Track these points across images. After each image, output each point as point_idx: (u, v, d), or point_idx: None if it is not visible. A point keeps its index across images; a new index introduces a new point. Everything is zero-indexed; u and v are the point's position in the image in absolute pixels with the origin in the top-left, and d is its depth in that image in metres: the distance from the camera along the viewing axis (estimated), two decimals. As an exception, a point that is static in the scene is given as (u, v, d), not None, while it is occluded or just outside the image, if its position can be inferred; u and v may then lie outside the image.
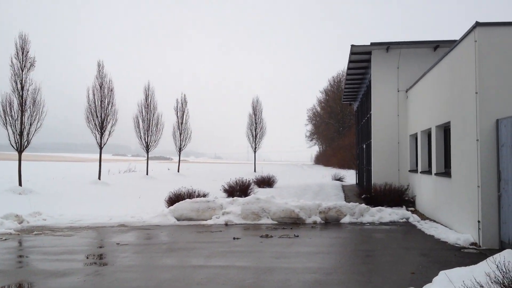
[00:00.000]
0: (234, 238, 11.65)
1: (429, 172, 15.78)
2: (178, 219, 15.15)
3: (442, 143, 14.58)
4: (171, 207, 15.62)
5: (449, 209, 12.87)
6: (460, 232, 11.64)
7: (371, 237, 12.00)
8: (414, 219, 14.54)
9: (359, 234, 12.53)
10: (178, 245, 11.00)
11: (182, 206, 15.44)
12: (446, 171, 14.16)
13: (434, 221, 14.41)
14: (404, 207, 17.53)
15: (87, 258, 9.41)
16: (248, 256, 9.51)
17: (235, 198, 16.08)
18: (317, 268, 8.28)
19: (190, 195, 17.52)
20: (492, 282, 5.48)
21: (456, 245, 10.42)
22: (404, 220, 14.50)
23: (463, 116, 11.55)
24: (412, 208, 17.47)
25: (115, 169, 51.24)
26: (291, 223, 14.35)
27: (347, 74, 24.90)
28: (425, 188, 16.22)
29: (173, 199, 17.17)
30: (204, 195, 17.92)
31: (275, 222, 14.45)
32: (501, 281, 5.35)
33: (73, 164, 74.96)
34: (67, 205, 20.21)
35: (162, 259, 9.39)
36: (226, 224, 14.34)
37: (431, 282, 6.96)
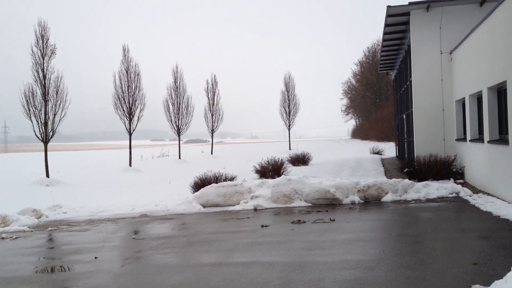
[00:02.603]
0: (262, 226, 10.39)
1: (480, 140, 14.07)
2: (204, 206, 14.02)
3: (496, 106, 12.84)
4: (196, 193, 14.49)
5: (508, 181, 11.22)
6: (523, 207, 10.03)
7: (418, 218, 10.52)
8: (465, 193, 12.92)
9: (404, 214, 11.05)
10: (199, 237, 9.82)
11: (208, 191, 14.28)
12: (501, 138, 12.45)
13: (489, 194, 12.78)
14: (452, 179, 15.91)
15: (95, 258, 8.31)
16: (276, 248, 8.22)
17: (264, 180, 14.79)
18: (356, 261, 6.92)
19: (217, 179, 16.36)
20: None
21: (521, 223, 8.85)
22: (454, 195, 12.90)
23: (522, 72, 9.84)
24: (461, 181, 15.82)
25: (150, 155, 50.78)
26: (327, 204, 12.98)
27: (383, 40, 23.02)
28: (476, 158, 14.53)
29: (199, 184, 16.05)
30: (232, 178, 16.72)
31: (309, 205, 13.11)
32: None
33: (108, 152, 75.26)
34: (93, 195, 19.47)
35: (178, 256, 8.22)
36: (255, 209, 13.09)
37: (501, 277, 5.53)
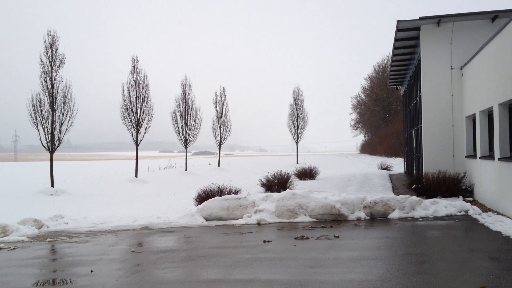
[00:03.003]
0: (264, 241, 10.13)
1: (490, 157, 13.76)
2: (206, 219, 13.78)
3: (507, 123, 12.54)
4: (199, 206, 14.26)
5: (519, 200, 10.90)
6: (534, 227, 9.72)
7: (425, 236, 10.22)
8: (474, 211, 12.59)
9: (411, 232, 10.74)
10: (199, 251, 9.58)
11: (211, 204, 14.04)
12: (512, 155, 12.15)
13: (499, 213, 12.44)
14: (460, 197, 15.56)
15: (91, 272, 8.08)
16: (277, 265, 7.95)
17: (268, 194, 14.54)
18: (360, 282, 6.64)
19: (221, 191, 16.11)
20: None
21: (532, 244, 8.52)
22: (462, 213, 12.57)
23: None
24: (470, 198, 15.47)
25: (157, 166, 50.72)
26: (332, 220, 12.69)
27: (393, 55, 22.82)
28: (486, 175, 14.20)
29: (203, 197, 15.81)
30: (236, 192, 16.46)
31: (314, 220, 12.82)
32: None
33: (116, 162, 75.39)
34: (96, 205, 19.32)
35: (175, 271, 7.97)
36: (258, 224, 12.83)
37: (511, 302, 5.26)
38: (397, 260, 7.98)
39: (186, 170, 40.00)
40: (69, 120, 24.94)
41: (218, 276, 7.42)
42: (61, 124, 24.67)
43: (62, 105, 24.82)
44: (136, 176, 31.98)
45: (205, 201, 14.31)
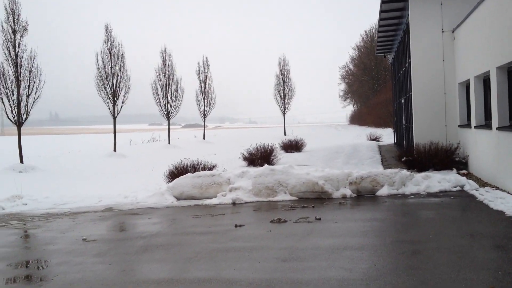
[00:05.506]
0: (236, 226, 8.90)
1: (487, 126, 12.56)
2: (178, 198, 12.53)
3: (506, 88, 11.29)
4: (170, 184, 12.99)
5: (521, 174, 9.73)
6: (540, 206, 8.58)
7: (417, 218, 9.04)
8: (471, 186, 11.42)
9: (402, 213, 9.57)
10: (159, 239, 8.32)
11: (183, 182, 12.76)
12: (512, 124, 10.95)
13: (497, 188, 11.30)
14: (454, 170, 14.42)
15: (27, 267, 6.85)
16: (245, 257, 6.72)
17: (245, 169, 13.27)
18: (340, 281, 5.44)
19: (194, 167, 14.81)
20: None
21: (541, 227, 7.36)
22: (458, 188, 11.39)
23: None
24: (465, 171, 14.35)
25: (140, 139, 49.23)
26: (315, 198, 11.48)
27: (380, 19, 21.30)
28: (482, 146, 13.03)
29: (175, 174, 14.50)
30: (211, 167, 15.16)
31: (295, 198, 11.60)
32: None
33: (103, 135, 73.45)
34: (65, 183, 17.96)
35: (123, 266, 6.70)
36: (233, 203, 11.58)
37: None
38: (386, 250, 6.76)
39: (169, 143, 38.65)
40: (36, 92, 23.31)
41: (172, 274, 6.19)
42: (28, 96, 23.03)
43: (28, 75, 23.14)
44: (115, 150, 30.58)
45: (176, 179, 13.02)
